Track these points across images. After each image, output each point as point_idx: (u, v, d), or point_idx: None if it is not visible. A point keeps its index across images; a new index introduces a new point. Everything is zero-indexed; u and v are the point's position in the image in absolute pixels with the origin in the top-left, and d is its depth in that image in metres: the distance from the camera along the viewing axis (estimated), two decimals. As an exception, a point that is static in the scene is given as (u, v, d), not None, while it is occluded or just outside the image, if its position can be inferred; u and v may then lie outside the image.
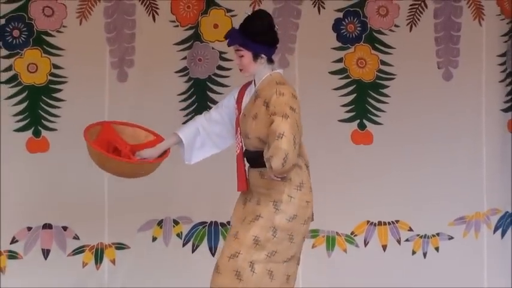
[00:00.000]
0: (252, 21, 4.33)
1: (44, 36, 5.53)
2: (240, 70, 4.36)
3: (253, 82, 4.42)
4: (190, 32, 5.69)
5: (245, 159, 4.38)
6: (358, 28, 5.89)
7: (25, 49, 5.51)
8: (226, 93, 4.61)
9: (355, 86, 5.90)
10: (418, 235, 5.97)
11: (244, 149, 4.37)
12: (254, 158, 4.33)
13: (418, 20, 5.92)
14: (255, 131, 4.29)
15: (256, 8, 5.62)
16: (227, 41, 4.34)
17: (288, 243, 4.31)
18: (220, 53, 5.67)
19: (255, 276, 4.23)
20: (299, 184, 4.31)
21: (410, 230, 5.96)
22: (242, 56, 4.30)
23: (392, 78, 5.92)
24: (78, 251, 5.61)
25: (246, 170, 4.37)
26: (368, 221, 5.93)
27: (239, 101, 4.45)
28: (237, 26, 5.11)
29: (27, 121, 5.55)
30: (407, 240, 5.95)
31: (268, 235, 4.24)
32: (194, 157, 4.47)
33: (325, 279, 5.82)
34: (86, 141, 4.31)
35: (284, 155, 4.06)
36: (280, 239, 4.28)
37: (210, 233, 5.73)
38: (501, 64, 6.05)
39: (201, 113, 5.35)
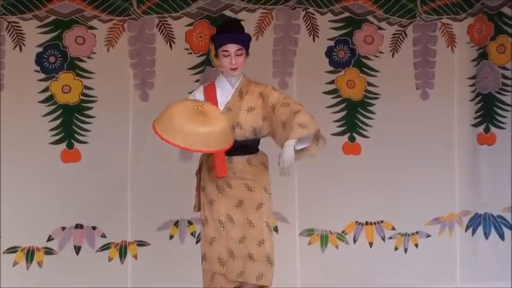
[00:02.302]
0: (240, 24, 4.58)
1: (77, 62, 5.72)
2: (234, 69, 4.43)
3: (224, 82, 4.49)
4: (202, 58, 5.85)
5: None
6: (348, 54, 6.04)
7: (60, 73, 5.71)
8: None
9: (345, 104, 6.07)
10: (399, 233, 6.12)
11: None
12: (245, 146, 4.46)
13: (399, 47, 6.09)
14: (251, 122, 4.46)
15: (260, 37, 5.86)
16: (236, 39, 4.42)
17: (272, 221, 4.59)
18: (228, 76, 5.97)
19: (273, 256, 4.48)
20: (268, 169, 4.58)
21: (393, 229, 6.11)
22: (241, 54, 4.45)
23: (378, 98, 6.10)
24: (105, 247, 5.80)
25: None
26: (357, 221, 6.09)
27: (212, 100, 4.47)
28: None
29: (61, 135, 5.73)
30: (390, 238, 6.11)
31: (271, 217, 4.54)
32: None
33: (319, 271, 5.96)
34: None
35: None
36: (272, 218, 4.57)
37: (219, 232, 6.01)
38: (471, 85, 6.19)
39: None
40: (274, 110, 4.42)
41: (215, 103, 4.46)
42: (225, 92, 4.52)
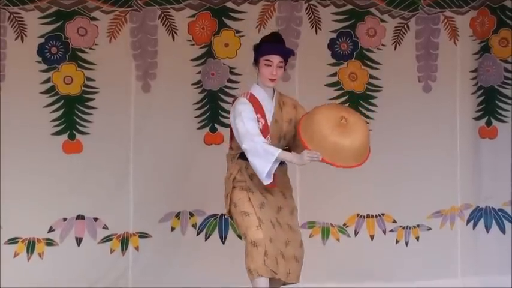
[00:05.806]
0: (283, 38, 4.66)
1: (78, 53, 5.76)
2: (273, 80, 4.52)
3: (263, 93, 4.56)
4: (205, 49, 5.89)
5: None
6: (350, 47, 6.06)
7: (62, 64, 5.74)
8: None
9: (347, 96, 6.08)
10: (401, 226, 6.14)
11: None
12: None
13: (402, 40, 6.11)
14: (290, 132, 4.64)
15: (262, 29, 5.87)
16: (282, 51, 4.53)
17: None
18: (230, 68, 5.89)
19: None
20: None
21: (394, 221, 6.13)
22: (282, 67, 4.56)
23: (380, 90, 6.12)
24: (107, 239, 5.83)
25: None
26: (358, 214, 6.11)
27: (261, 112, 4.57)
28: (245, 45, 5.46)
29: (63, 126, 5.76)
30: (391, 230, 6.13)
31: None
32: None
33: (320, 263, 5.92)
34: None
35: None
36: None
37: (221, 224, 5.93)
38: (473, 79, 6.22)
39: (213, 120, 5.72)
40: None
41: (263, 115, 4.56)
42: (267, 103, 4.60)
